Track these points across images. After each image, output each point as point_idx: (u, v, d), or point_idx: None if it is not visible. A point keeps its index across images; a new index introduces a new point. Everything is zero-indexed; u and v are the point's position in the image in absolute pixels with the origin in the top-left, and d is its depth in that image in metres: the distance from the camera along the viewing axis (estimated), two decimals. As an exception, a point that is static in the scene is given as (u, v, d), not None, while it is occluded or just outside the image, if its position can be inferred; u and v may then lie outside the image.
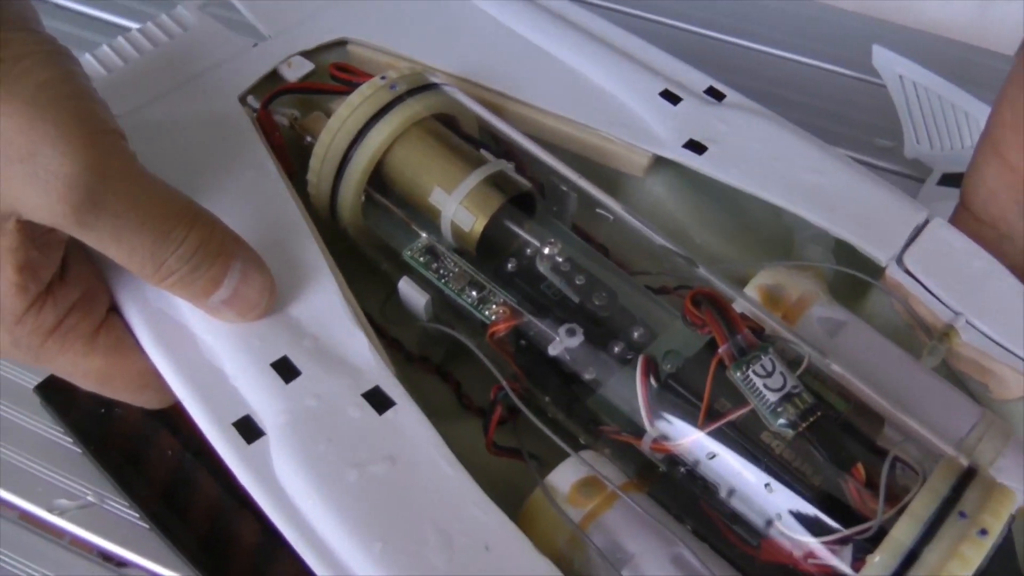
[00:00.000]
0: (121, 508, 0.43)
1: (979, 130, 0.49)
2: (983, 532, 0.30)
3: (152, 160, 0.40)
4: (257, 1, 0.48)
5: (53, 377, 0.45)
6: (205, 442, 0.43)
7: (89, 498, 0.43)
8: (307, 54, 0.46)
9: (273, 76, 0.45)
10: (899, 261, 0.39)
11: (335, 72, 0.45)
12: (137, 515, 0.42)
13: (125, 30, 0.47)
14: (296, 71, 0.45)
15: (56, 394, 0.45)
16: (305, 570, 0.39)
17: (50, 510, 0.43)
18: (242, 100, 0.44)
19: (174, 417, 0.44)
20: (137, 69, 0.45)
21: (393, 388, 0.35)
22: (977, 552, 0.30)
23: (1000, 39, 0.64)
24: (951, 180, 0.53)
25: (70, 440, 0.44)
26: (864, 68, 0.61)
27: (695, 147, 0.42)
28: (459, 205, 0.38)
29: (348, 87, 0.43)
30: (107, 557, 0.43)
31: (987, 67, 0.64)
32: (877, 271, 0.40)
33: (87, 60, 0.45)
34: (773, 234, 0.44)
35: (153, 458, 0.43)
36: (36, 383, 0.45)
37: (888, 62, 0.55)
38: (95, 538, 0.42)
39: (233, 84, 0.44)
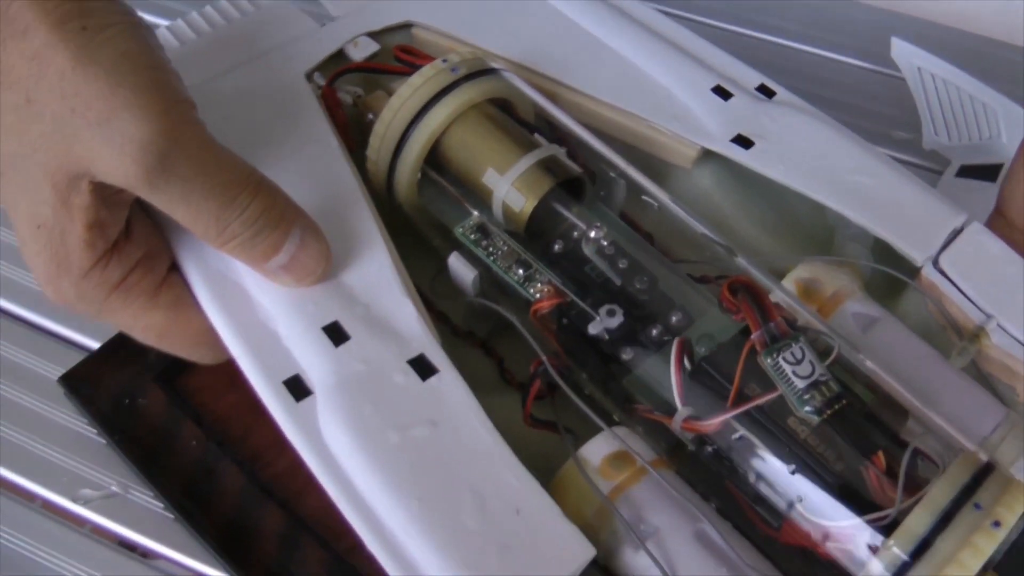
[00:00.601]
0: (145, 498, 0.45)
1: (997, 121, 0.50)
2: (996, 524, 0.31)
3: (220, 130, 0.42)
4: (327, -18, 0.50)
5: (77, 368, 0.47)
6: (228, 433, 0.45)
7: (113, 488, 0.45)
8: (373, 35, 0.48)
9: (339, 55, 0.47)
10: (935, 262, 0.41)
11: (399, 54, 0.47)
12: (162, 505, 0.44)
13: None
14: (362, 51, 0.47)
15: (80, 385, 0.47)
16: (328, 558, 0.42)
17: (74, 500, 0.45)
18: (308, 77, 0.46)
19: (197, 408, 0.46)
20: (209, 43, 0.47)
21: (437, 356, 0.37)
22: (989, 543, 0.31)
23: (1018, 32, 0.64)
24: (970, 172, 0.54)
25: (94, 431, 0.46)
26: (883, 61, 0.62)
27: (743, 142, 0.44)
28: (511, 186, 0.40)
29: (411, 68, 0.45)
30: (131, 547, 0.44)
31: (1005, 60, 0.65)
32: (913, 271, 0.41)
33: (162, 33, 0.47)
34: (814, 230, 0.45)
35: (177, 448, 0.45)
36: (60, 374, 0.47)
37: (907, 54, 0.56)
38: (120, 528, 0.44)
39: (300, 61, 0.46)
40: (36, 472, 0.45)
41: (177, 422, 0.45)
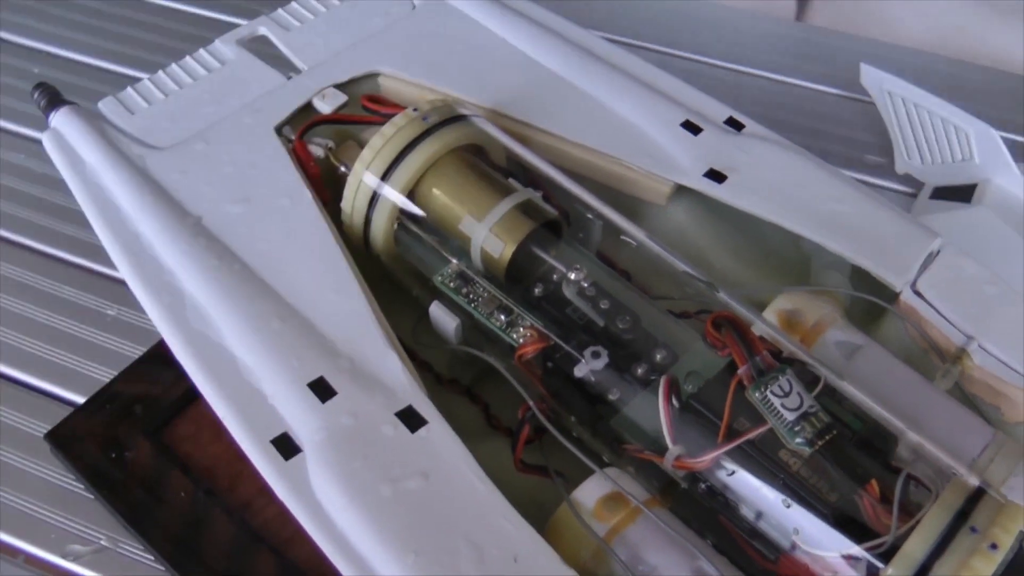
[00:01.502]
0: (135, 551, 0.45)
1: (969, 143, 0.51)
2: (993, 547, 0.32)
3: (195, 191, 0.43)
4: (292, 35, 0.51)
5: (63, 423, 0.48)
6: (216, 481, 0.45)
7: (102, 542, 0.45)
8: (340, 86, 0.48)
9: (308, 108, 0.48)
10: (913, 287, 0.41)
11: (367, 103, 0.47)
12: (152, 558, 0.44)
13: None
14: (330, 103, 0.47)
15: (66, 440, 0.47)
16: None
17: (64, 556, 0.45)
18: (278, 131, 0.46)
19: (184, 458, 0.47)
20: (178, 103, 0.48)
21: (425, 407, 0.37)
22: (987, 565, 0.31)
23: (984, 52, 0.66)
24: (944, 193, 0.55)
25: (81, 486, 0.46)
26: (852, 87, 0.64)
27: (715, 176, 0.44)
28: (489, 232, 0.41)
29: (381, 118, 0.45)
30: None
31: (974, 80, 0.67)
32: (892, 296, 0.42)
33: (127, 95, 0.48)
34: (791, 260, 0.46)
35: (166, 500, 0.45)
36: (46, 430, 0.47)
37: (876, 80, 0.57)
38: None
39: (269, 116, 0.47)
40: (23, 529, 0.46)
41: (165, 473, 0.46)
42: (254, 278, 0.41)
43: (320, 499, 0.35)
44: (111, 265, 0.54)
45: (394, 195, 0.42)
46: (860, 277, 0.43)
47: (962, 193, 0.54)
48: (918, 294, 0.41)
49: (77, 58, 0.68)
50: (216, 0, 0.73)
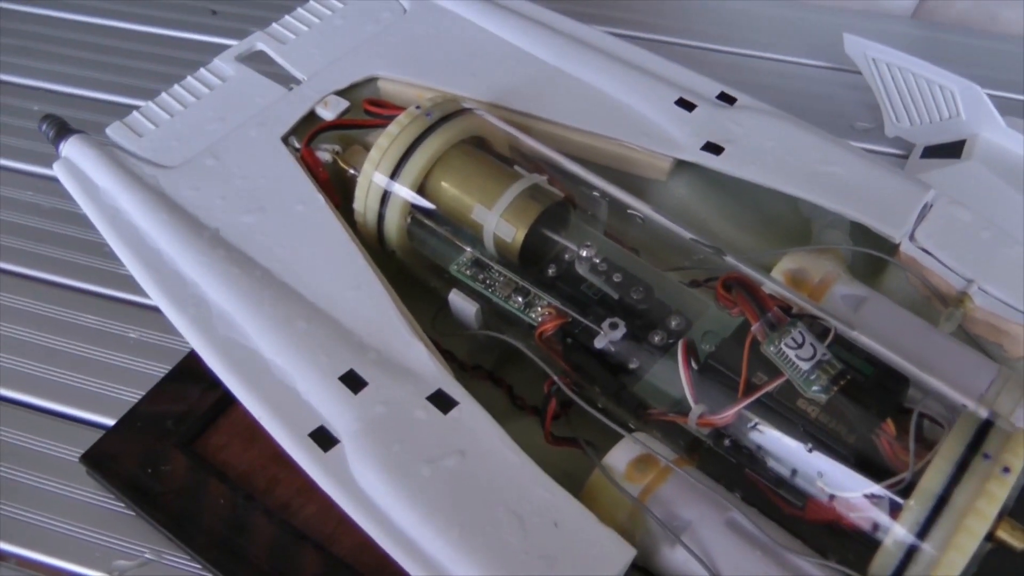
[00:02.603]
0: (180, 560, 0.47)
1: (955, 100, 0.54)
2: (1006, 470, 0.34)
3: (211, 205, 0.46)
4: (288, 47, 0.53)
5: (97, 445, 0.50)
6: (253, 486, 0.47)
7: (147, 556, 0.47)
8: (341, 93, 0.51)
9: (311, 116, 0.50)
10: (911, 238, 0.44)
11: (368, 107, 0.50)
12: (199, 566, 0.46)
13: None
14: (332, 110, 0.50)
15: (101, 461, 0.49)
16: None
17: (110, 572, 0.47)
18: (284, 141, 0.49)
19: (220, 466, 0.49)
20: (184, 122, 0.50)
21: (454, 389, 0.39)
22: (1002, 488, 0.34)
23: (955, 15, 0.68)
24: (934, 152, 0.58)
25: (121, 504, 0.48)
26: (835, 58, 0.67)
27: (713, 149, 0.47)
28: (500, 218, 0.43)
29: (383, 120, 0.48)
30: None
31: (952, 42, 0.70)
32: (892, 249, 0.44)
33: (133, 118, 0.50)
34: (791, 224, 0.48)
35: (206, 508, 0.47)
36: (80, 454, 0.49)
37: (859, 47, 0.60)
38: None
39: (275, 127, 0.49)
40: (68, 551, 0.47)
41: (202, 483, 0.48)
42: (276, 282, 0.43)
43: (362, 486, 0.37)
44: (128, 290, 0.58)
45: (405, 191, 0.44)
46: (859, 233, 0.45)
47: (952, 150, 0.57)
48: (917, 244, 0.44)
49: (73, 92, 0.70)
50: (205, 25, 0.75)
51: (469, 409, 0.39)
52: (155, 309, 0.55)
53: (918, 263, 0.44)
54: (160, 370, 0.53)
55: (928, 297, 0.44)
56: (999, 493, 0.34)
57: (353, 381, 0.40)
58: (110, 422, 0.51)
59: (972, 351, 0.42)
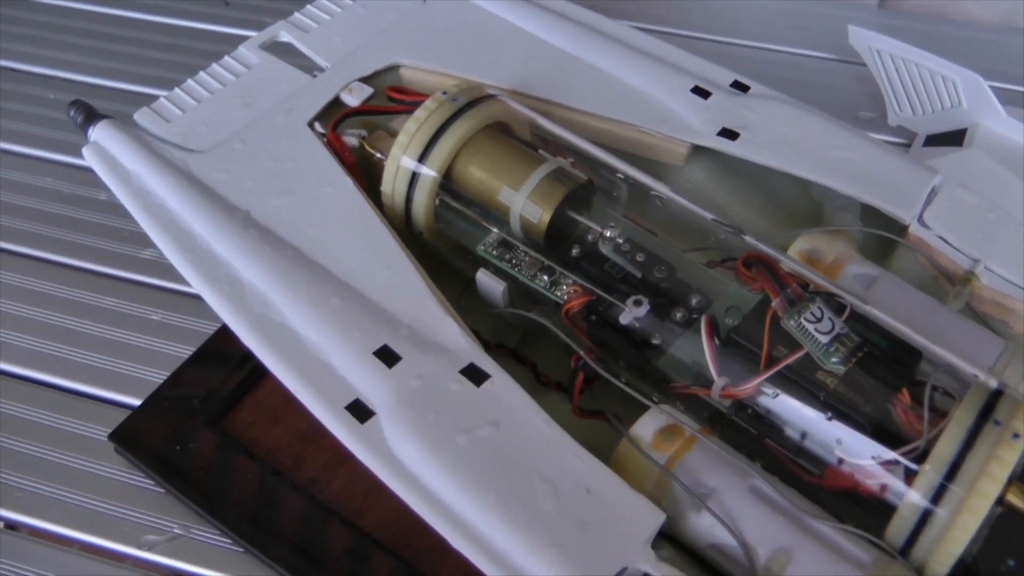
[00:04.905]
0: (209, 535, 0.49)
1: (957, 90, 0.57)
2: (1016, 436, 0.36)
3: (242, 187, 0.48)
4: (311, 36, 0.55)
5: (125, 424, 0.52)
6: (281, 462, 0.49)
7: (176, 530, 0.49)
8: (364, 80, 0.53)
9: (336, 102, 0.52)
10: (920, 220, 0.46)
11: (391, 94, 0.52)
12: (228, 540, 0.48)
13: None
14: (357, 96, 0.52)
15: (130, 439, 0.51)
16: (398, 565, 0.46)
17: (140, 547, 0.49)
18: (311, 126, 0.51)
19: (247, 444, 0.51)
20: (211, 108, 0.52)
21: (486, 363, 0.42)
22: (1012, 453, 0.36)
23: (958, 8, 0.72)
24: (937, 140, 0.60)
25: (151, 481, 0.50)
26: (840, 50, 0.70)
27: (729, 135, 0.49)
28: (526, 200, 0.45)
29: (407, 106, 0.50)
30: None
31: (955, 36, 0.73)
32: (901, 230, 0.47)
33: (161, 104, 0.52)
34: (803, 207, 0.51)
35: (235, 484, 0.49)
36: (108, 432, 0.51)
37: (864, 39, 0.63)
38: (188, 566, 0.48)
39: (301, 113, 0.51)
40: (98, 526, 0.49)
41: (230, 460, 0.50)
42: (308, 262, 0.45)
43: (399, 456, 0.39)
44: (149, 273, 0.60)
45: (433, 174, 0.46)
46: (870, 215, 0.48)
47: (954, 138, 0.59)
48: (925, 226, 0.46)
49: (88, 80, 0.72)
50: (218, 15, 0.77)
51: (501, 381, 0.41)
52: (176, 292, 0.59)
53: (927, 244, 0.46)
54: (183, 351, 0.55)
55: (936, 277, 0.46)
56: (1010, 457, 0.36)
57: (387, 356, 0.42)
58: (136, 402, 0.53)
59: (980, 327, 0.44)
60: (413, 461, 0.39)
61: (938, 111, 0.60)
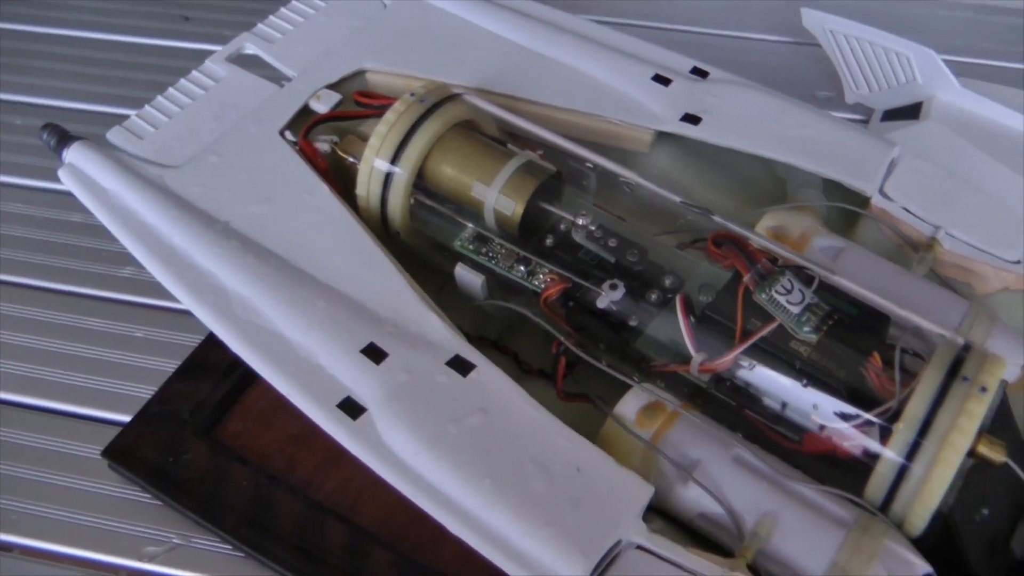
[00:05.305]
0: (208, 543, 0.50)
1: (911, 66, 0.59)
2: (983, 390, 0.39)
3: (217, 199, 0.49)
4: (276, 46, 0.57)
5: (117, 439, 0.53)
6: (274, 466, 0.51)
7: (175, 540, 0.50)
8: (331, 87, 0.54)
9: (305, 110, 0.53)
10: (881, 191, 0.49)
11: (359, 99, 0.54)
12: (227, 547, 0.49)
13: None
14: (325, 103, 0.53)
15: (123, 454, 0.52)
16: (395, 558, 0.47)
17: (140, 559, 0.50)
18: (282, 135, 0.52)
19: (240, 451, 0.52)
20: (182, 123, 0.53)
21: (470, 353, 0.43)
22: (980, 406, 0.38)
23: None
24: (894, 115, 0.63)
25: (145, 495, 0.51)
26: (794, 32, 0.72)
27: (691, 119, 0.51)
28: (499, 194, 0.47)
29: (376, 110, 0.51)
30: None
31: (906, 13, 0.75)
32: (864, 202, 0.49)
33: (132, 122, 0.53)
34: (767, 186, 0.53)
35: (231, 491, 0.50)
36: (101, 449, 0.52)
37: (818, 20, 0.65)
38: (190, 574, 0.49)
39: (271, 122, 0.53)
40: (97, 542, 0.50)
41: (224, 468, 0.51)
42: (290, 267, 0.46)
43: (393, 449, 0.41)
44: (129, 291, 0.61)
45: (406, 174, 0.48)
46: (832, 190, 0.50)
47: (910, 112, 0.62)
48: (886, 197, 0.48)
49: (53, 104, 0.73)
50: (178, 31, 0.78)
51: (487, 370, 0.43)
52: (158, 308, 0.60)
53: (888, 214, 0.48)
54: (169, 365, 0.56)
55: (900, 245, 0.48)
56: (978, 410, 0.38)
57: (374, 353, 0.43)
58: (126, 418, 0.54)
59: (944, 290, 0.46)
60: (407, 453, 0.41)
61: (893, 86, 0.62)
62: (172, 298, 0.58)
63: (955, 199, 0.48)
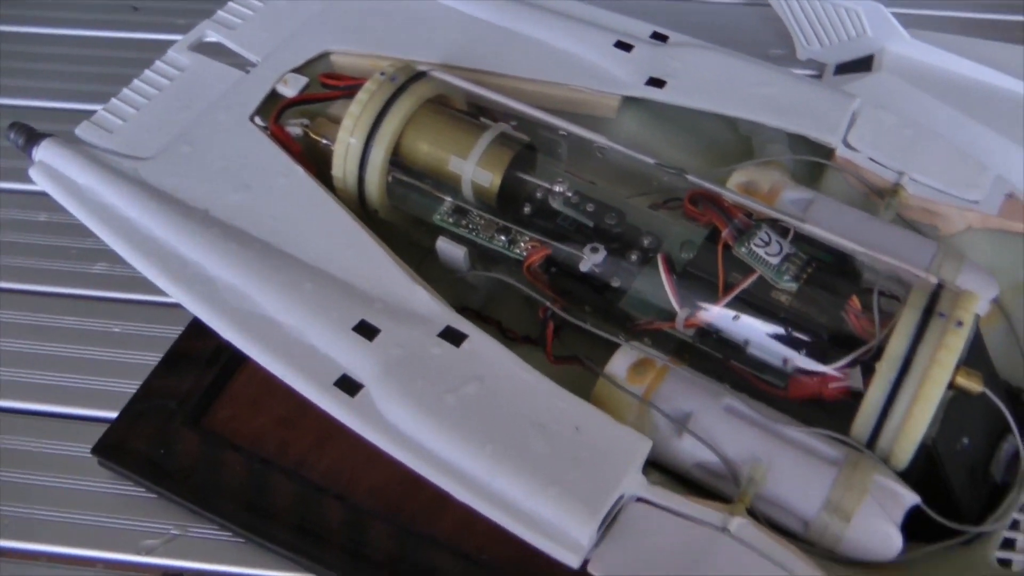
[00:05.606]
0: (205, 531, 0.51)
1: (860, 20, 0.61)
2: (959, 324, 0.41)
3: (196, 188, 0.49)
4: (238, 32, 0.57)
5: (105, 436, 0.53)
6: (266, 450, 0.52)
7: (173, 531, 0.51)
8: (297, 70, 0.55)
9: (273, 95, 0.54)
10: (845, 142, 0.51)
11: (325, 80, 0.54)
12: (228, 532, 0.50)
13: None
14: (292, 87, 0.54)
15: (113, 450, 0.52)
16: (395, 529, 0.48)
17: (139, 552, 0.50)
18: (251, 120, 0.53)
19: (231, 437, 0.53)
20: (151, 114, 0.54)
21: (461, 324, 0.44)
22: (957, 339, 0.40)
23: None
24: (846, 68, 0.65)
25: (139, 488, 0.52)
26: None
27: (656, 83, 0.53)
28: (476, 167, 0.48)
29: (343, 91, 0.52)
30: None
31: None
32: (829, 153, 0.51)
33: (100, 116, 0.53)
34: (733, 144, 0.55)
35: (225, 477, 0.51)
36: (90, 447, 0.52)
37: None
38: (191, 564, 0.50)
39: (240, 109, 0.53)
40: (94, 539, 0.51)
41: (217, 455, 0.52)
42: (274, 251, 0.47)
43: (393, 422, 0.42)
44: (102, 287, 0.61)
45: (382, 153, 0.49)
46: (797, 144, 0.52)
47: (862, 64, 0.64)
48: (850, 147, 0.50)
49: (15, 103, 0.72)
50: (129, 22, 0.78)
51: (479, 339, 0.44)
52: (134, 302, 0.60)
53: (853, 164, 0.50)
54: (151, 358, 0.57)
55: (866, 193, 0.50)
56: (956, 344, 0.40)
57: (366, 330, 0.44)
58: (112, 415, 0.54)
59: (912, 234, 0.48)
60: (407, 425, 0.42)
61: (844, 41, 0.64)
62: (148, 292, 0.59)
63: (916, 145, 0.50)
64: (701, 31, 0.67)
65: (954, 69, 0.60)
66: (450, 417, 0.42)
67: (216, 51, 0.57)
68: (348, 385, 0.43)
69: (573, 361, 0.47)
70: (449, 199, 0.49)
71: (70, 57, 0.75)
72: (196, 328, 0.57)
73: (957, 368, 0.40)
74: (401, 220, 0.51)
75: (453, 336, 0.44)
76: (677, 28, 0.57)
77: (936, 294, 0.42)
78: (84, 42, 0.76)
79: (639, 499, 0.40)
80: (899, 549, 0.40)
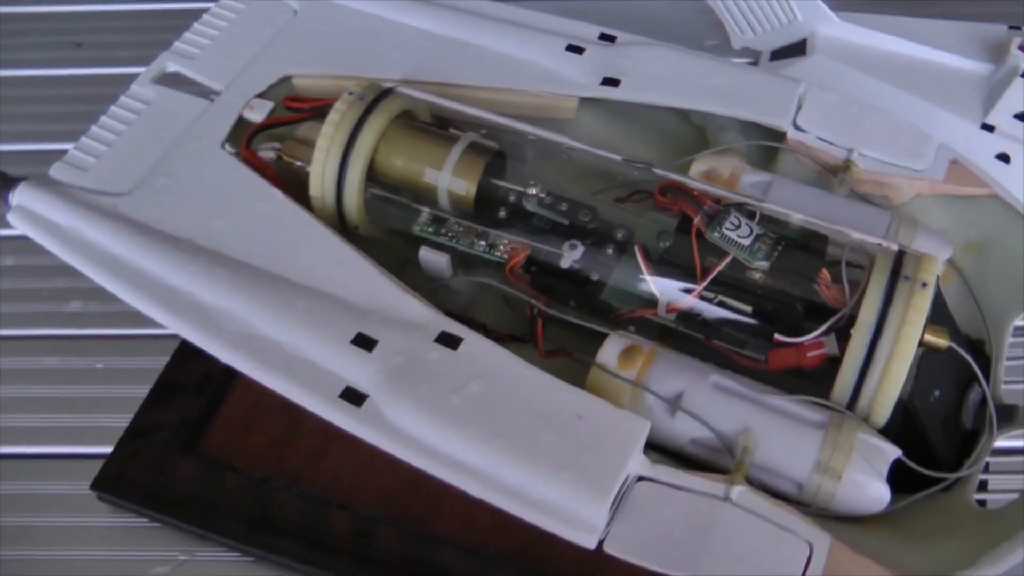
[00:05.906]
0: (213, 554, 0.52)
1: (790, 6, 0.64)
2: (924, 285, 0.44)
3: (176, 219, 0.51)
4: (197, 62, 0.58)
5: (103, 470, 0.54)
6: (265, 468, 0.53)
7: (181, 557, 0.52)
8: (261, 95, 0.56)
9: (241, 122, 0.55)
10: (795, 124, 0.54)
11: (289, 104, 0.56)
12: (237, 552, 0.52)
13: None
14: (259, 112, 0.55)
15: (112, 483, 0.54)
16: (401, 533, 0.50)
17: None
18: (223, 148, 0.54)
19: (228, 459, 0.54)
20: (123, 149, 0.54)
21: (455, 328, 0.47)
22: (924, 300, 0.43)
23: None
24: (780, 54, 0.68)
25: (142, 519, 0.53)
26: None
27: (611, 83, 0.56)
28: (451, 176, 0.50)
29: (311, 112, 0.54)
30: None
31: None
32: (780, 137, 0.54)
33: (72, 155, 0.54)
34: (688, 135, 0.58)
35: (228, 499, 0.53)
36: (89, 483, 0.53)
37: None
38: None
39: (210, 138, 0.54)
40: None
41: (216, 478, 0.53)
42: (263, 274, 0.49)
43: (402, 428, 0.44)
44: (80, 325, 0.62)
45: (358, 171, 0.51)
46: (749, 130, 0.55)
47: (796, 49, 0.67)
48: (800, 129, 0.54)
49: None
50: (73, 59, 0.78)
51: (474, 341, 0.46)
52: (113, 337, 0.61)
53: (804, 144, 0.54)
54: (137, 390, 0.58)
55: (819, 171, 0.54)
56: (924, 304, 0.43)
57: (364, 342, 0.46)
58: (106, 450, 0.55)
59: (866, 205, 0.52)
60: (417, 430, 0.44)
61: (776, 28, 0.68)
62: (126, 326, 0.61)
63: (862, 122, 0.54)
64: (640, 27, 0.70)
65: (884, 47, 0.63)
66: (458, 417, 0.44)
67: (179, 82, 0.58)
68: (353, 396, 0.45)
69: (563, 355, 0.49)
70: (427, 209, 0.51)
71: (21, 98, 0.75)
72: (182, 357, 0.58)
73: (925, 326, 0.44)
74: (381, 234, 0.53)
75: (449, 340, 0.46)
76: (616, 26, 0.60)
77: (899, 260, 0.45)
78: (32, 82, 0.77)
79: (642, 478, 0.43)
80: (888, 501, 0.43)
